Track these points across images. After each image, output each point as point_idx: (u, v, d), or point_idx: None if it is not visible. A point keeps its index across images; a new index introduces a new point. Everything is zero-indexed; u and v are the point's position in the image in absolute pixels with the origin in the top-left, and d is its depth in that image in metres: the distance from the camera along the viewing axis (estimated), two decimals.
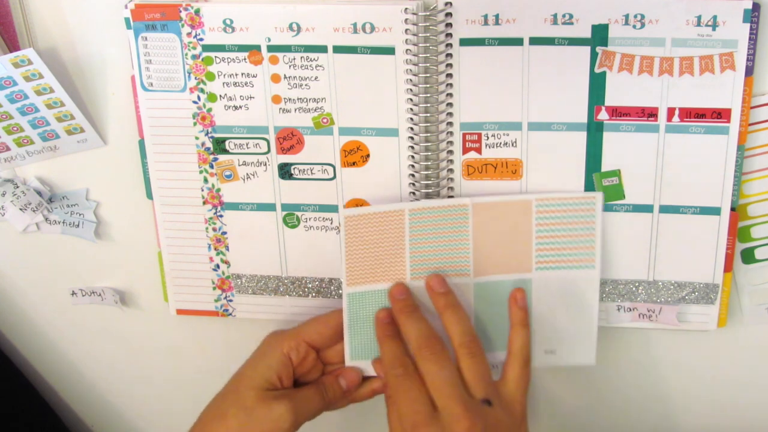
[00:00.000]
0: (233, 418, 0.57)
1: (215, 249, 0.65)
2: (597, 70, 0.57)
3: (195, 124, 0.62)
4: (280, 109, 0.60)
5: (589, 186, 0.60)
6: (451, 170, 0.61)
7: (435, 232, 0.58)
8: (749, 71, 0.56)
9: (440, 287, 0.58)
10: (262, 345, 0.61)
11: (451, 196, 0.61)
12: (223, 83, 0.60)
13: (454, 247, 0.59)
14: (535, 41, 0.57)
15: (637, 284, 0.62)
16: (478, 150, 0.60)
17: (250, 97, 0.60)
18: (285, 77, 0.59)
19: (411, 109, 0.59)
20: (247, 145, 0.62)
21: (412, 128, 0.59)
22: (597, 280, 0.58)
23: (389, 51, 0.58)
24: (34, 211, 0.66)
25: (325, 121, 0.60)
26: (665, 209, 0.60)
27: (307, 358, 0.60)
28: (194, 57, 0.59)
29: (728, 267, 0.60)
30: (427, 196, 0.61)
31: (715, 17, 0.54)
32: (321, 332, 0.60)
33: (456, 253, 0.59)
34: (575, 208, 0.57)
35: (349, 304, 0.59)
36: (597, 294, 0.59)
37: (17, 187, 0.65)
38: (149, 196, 0.64)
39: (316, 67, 0.59)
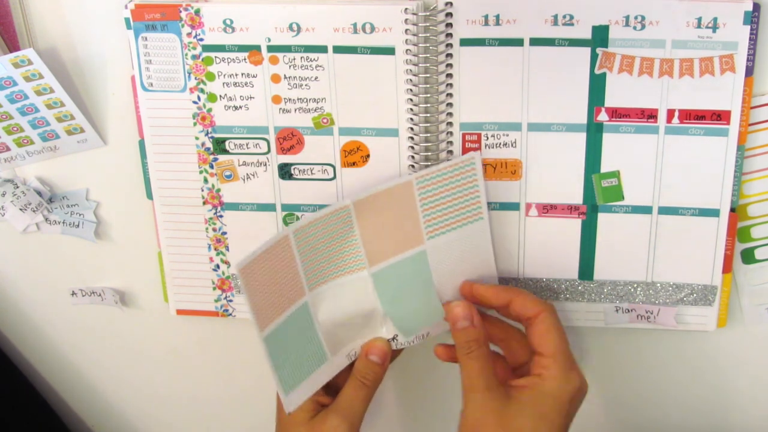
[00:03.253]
0: None
1: (215, 249, 0.65)
2: (597, 71, 0.57)
3: (195, 124, 0.61)
4: (280, 109, 0.60)
5: (589, 187, 0.60)
6: None
7: (323, 241, 0.57)
8: (749, 71, 0.56)
9: (464, 320, 0.57)
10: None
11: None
12: (223, 83, 0.60)
13: (343, 248, 0.58)
14: (535, 42, 0.57)
15: (635, 285, 0.62)
16: (478, 150, 0.60)
17: (250, 97, 0.60)
18: (285, 77, 0.59)
19: (411, 109, 0.59)
20: (247, 145, 0.62)
21: (412, 128, 0.59)
22: (488, 229, 0.60)
23: (389, 51, 0.58)
24: (34, 211, 0.66)
25: (325, 121, 0.60)
26: (664, 210, 0.60)
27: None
28: (194, 57, 0.59)
29: (727, 268, 0.61)
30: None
31: (715, 19, 0.54)
32: None
33: (347, 252, 0.58)
34: (454, 173, 0.58)
35: (268, 348, 0.56)
36: (491, 243, 0.60)
37: (17, 187, 0.65)
38: (149, 196, 0.64)
39: (316, 67, 0.59)
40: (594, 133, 0.59)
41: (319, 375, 0.59)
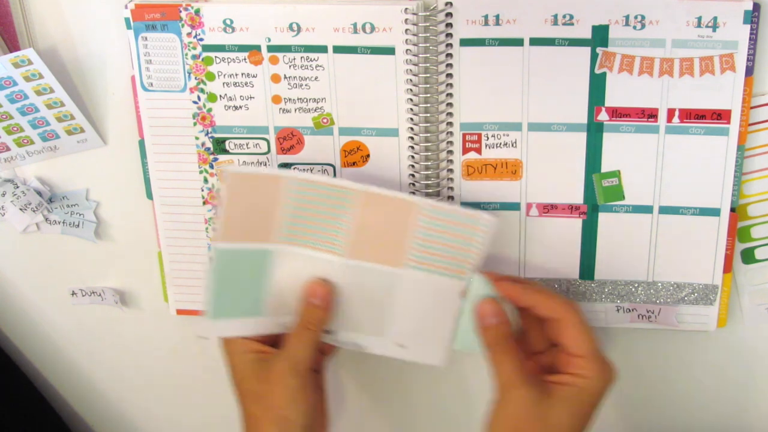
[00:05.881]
0: (257, 412, 0.57)
1: None
2: (597, 71, 0.57)
3: (195, 124, 0.61)
4: (280, 109, 0.60)
5: (589, 186, 0.60)
6: (451, 170, 0.61)
7: (313, 206, 0.57)
8: (749, 71, 0.56)
9: (493, 317, 0.56)
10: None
11: (451, 197, 0.61)
12: (223, 83, 0.60)
13: (330, 225, 0.57)
14: (535, 42, 0.57)
15: (636, 285, 0.62)
16: (478, 150, 0.60)
17: (250, 97, 0.60)
18: (285, 77, 0.59)
19: (411, 109, 0.59)
20: (247, 145, 0.62)
21: (412, 128, 0.59)
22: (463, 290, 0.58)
23: (389, 51, 0.58)
24: (34, 211, 0.66)
25: (325, 121, 0.60)
26: (665, 210, 0.60)
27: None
28: (194, 57, 0.59)
29: (727, 268, 0.61)
30: (427, 196, 0.61)
31: (715, 18, 0.54)
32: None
33: (332, 231, 0.58)
34: (466, 224, 0.56)
35: (218, 261, 0.58)
36: (459, 302, 0.58)
37: (17, 187, 0.65)
38: (149, 196, 0.64)
39: (316, 67, 0.59)
40: (594, 132, 0.59)
41: (248, 324, 0.59)
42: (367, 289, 0.59)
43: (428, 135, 0.59)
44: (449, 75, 0.58)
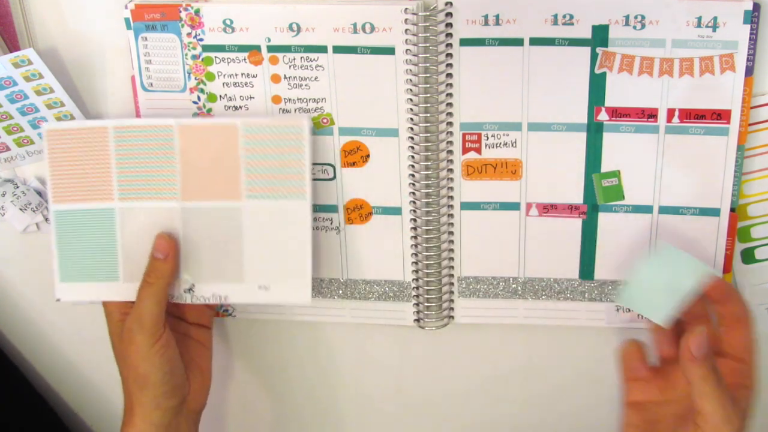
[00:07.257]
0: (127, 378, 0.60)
1: None
2: (597, 71, 0.57)
3: None
4: (280, 109, 0.60)
5: (589, 186, 0.60)
6: (451, 170, 0.61)
7: (142, 152, 0.58)
8: (749, 71, 0.56)
9: (699, 349, 0.52)
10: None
11: (451, 197, 0.61)
12: (223, 83, 0.60)
13: (161, 169, 0.58)
14: (535, 42, 0.57)
15: None
16: (478, 150, 0.60)
17: (250, 98, 0.60)
18: (285, 77, 0.59)
19: (411, 109, 0.59)
20: None
21: (412, 128, 0.59)
22: (308, 211, 0.58)
23: (389, 51, 0.58)
24: (34, 211, 0.66)
25: (325, 121, 0.60)
26: (665, 210, 0.60)
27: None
28: (194, 57, 0.59)
29: (727, 268, 0.61)
30: (427, 195, 0.61)
31: (715, 18, 0.54)
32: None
33: (163, 175, 0.58)
34: (282, 134, 0.57)
35: (57, 223, 0.60)
36: (309, 227, 0.58)
37: (17, 187, 0.65)
38: None
39: (316, 67, 0.59)
40: (594, 132, 0.59)
41: (104, 289, 0.61)
42: (213, 231, 0.59)
43: (428, 135, 0.59)
44: (449, 75, 0.58)
